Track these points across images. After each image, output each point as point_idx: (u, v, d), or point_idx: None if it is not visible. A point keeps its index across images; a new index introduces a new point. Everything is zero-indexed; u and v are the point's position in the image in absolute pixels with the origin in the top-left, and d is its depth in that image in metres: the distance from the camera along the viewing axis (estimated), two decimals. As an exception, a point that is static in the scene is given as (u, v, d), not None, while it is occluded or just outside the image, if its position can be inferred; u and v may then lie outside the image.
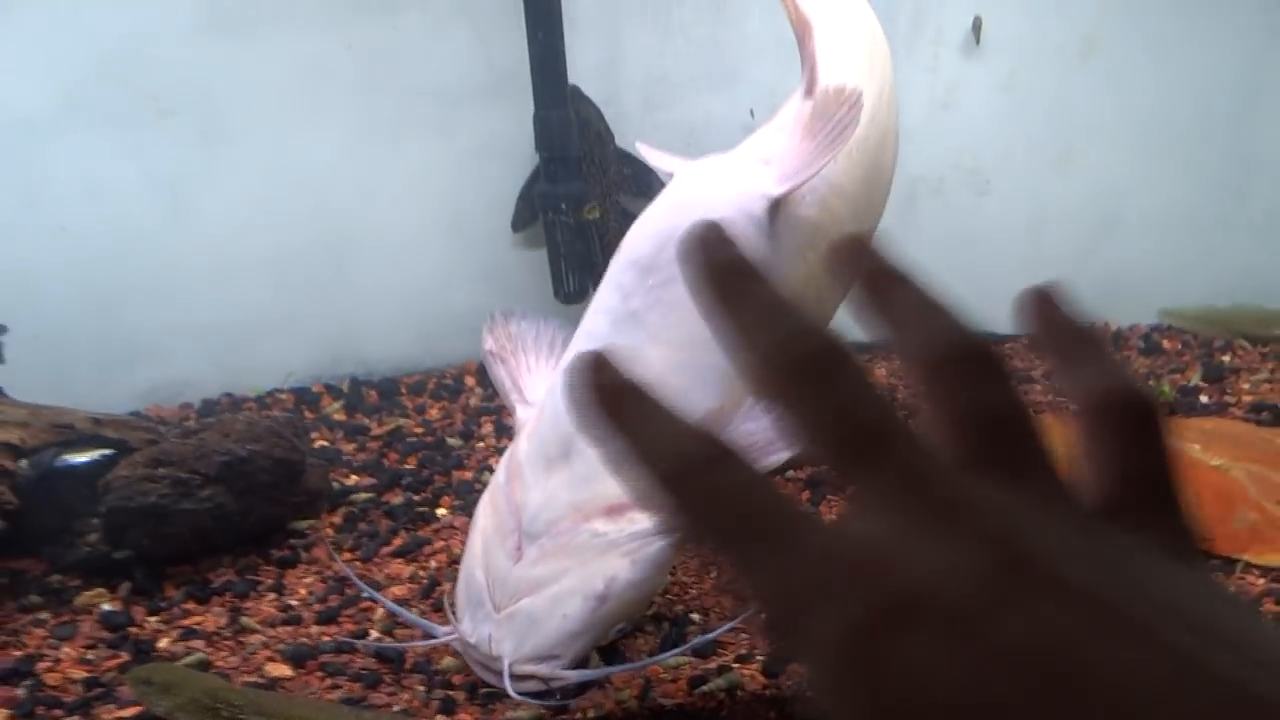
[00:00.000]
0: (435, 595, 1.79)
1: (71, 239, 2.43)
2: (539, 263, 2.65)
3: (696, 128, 2.66)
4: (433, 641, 1.50)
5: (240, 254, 2.56)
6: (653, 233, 1.45)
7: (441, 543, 1.95)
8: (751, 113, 2.64)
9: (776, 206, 1.43)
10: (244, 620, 1.72)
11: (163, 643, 1.68)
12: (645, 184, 2.66)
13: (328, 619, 1.73)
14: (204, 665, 1.62)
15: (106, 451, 1.92)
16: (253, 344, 2.63)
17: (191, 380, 2.60)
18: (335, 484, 2.17)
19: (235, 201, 2.52)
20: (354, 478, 2.24)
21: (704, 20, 2.59)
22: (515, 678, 1.35)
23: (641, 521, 1.36)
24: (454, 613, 1.49)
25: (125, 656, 1.64)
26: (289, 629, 1.71)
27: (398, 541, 1.96)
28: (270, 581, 1.85)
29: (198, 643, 1.68)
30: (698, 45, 2.61)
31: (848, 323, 1.58)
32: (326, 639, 1.67)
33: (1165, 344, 2.83)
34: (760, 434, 1.32)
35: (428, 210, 2.67)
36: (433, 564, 1.90)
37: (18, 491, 1.78)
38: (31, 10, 2.30)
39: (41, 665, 1.62)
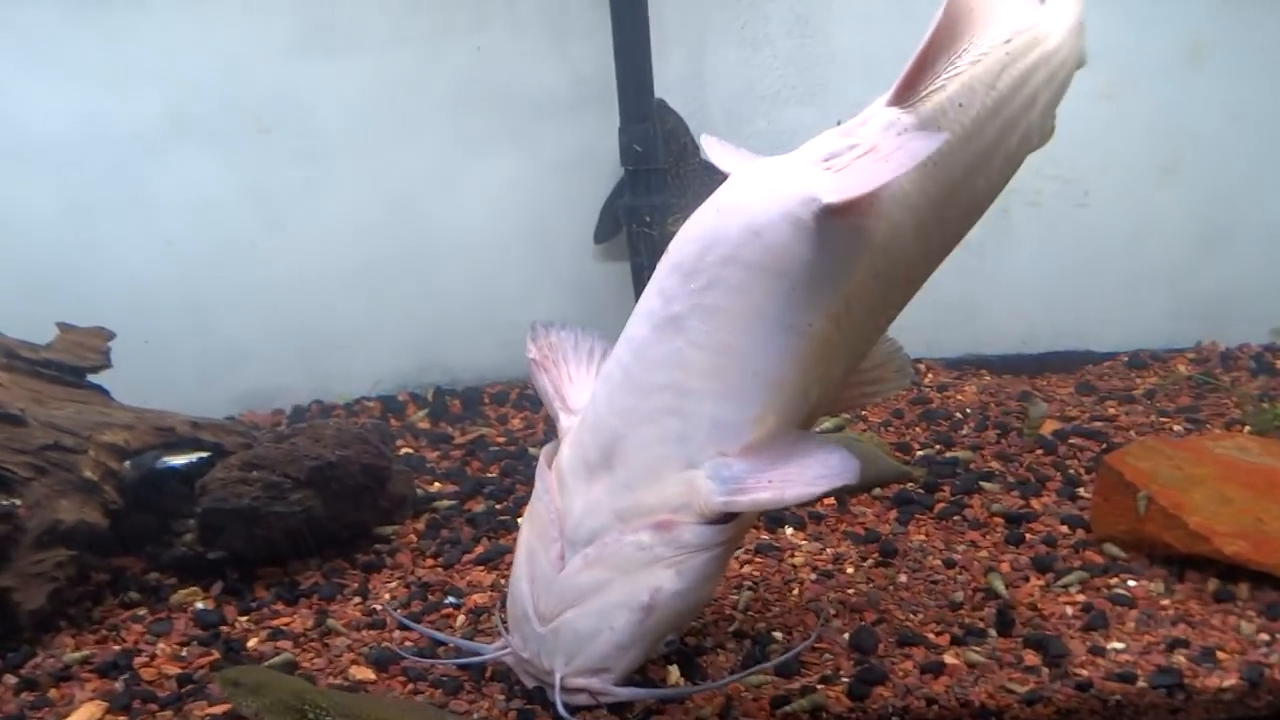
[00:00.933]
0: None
1: (176, 252, 2.53)
2: (621, 275, 2.65)
3: (782, 141, 2.61)
4: (483, 659, 1.51)
5: (332, 266, 2.63)
6: (695, 236, 1.41)
7: (522, 552, 1.95)
8: (839, 123, 2.60)
9: (828, 212, 1.35)
10: (330, 622, 1.75)
11: (252, 642, 1.72)
12: (729, 197, 2.64)
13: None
14: (291, 666, 1.64)
15: (204, 454, 1.98)
16: (342, 353, 2.70)
17: (284, 387, 2.67)
18: (419, 491, 2.20)
19: (328, 215, 2.60)
20: (437, 485, 2.26)
21: (790, 33, 2.57)
22: (566, 690, 1.36)
23: (688, 533, 1.34)
24: (504, 627, 1.49)
25: (216, 654, 1.68)
26: (373, 633, 1.73)
27: (479, 549, 1.97)
28: (355, 585, 1.88)
29: (285, 643, 1.71)
30: (784, 58, 2.59)
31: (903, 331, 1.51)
32: (408, 644, 1.68)
33: (1278, 364, 2.68)
34: (814, 463, 1.31)
35: (512, 222, 2.70)
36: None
37: (121, 492, 1.85)
38: (141, 32, 2.42)
39: (138, 660, 1.67)
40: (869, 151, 1.40)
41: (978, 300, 2.86)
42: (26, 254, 2.41)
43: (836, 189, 1.35)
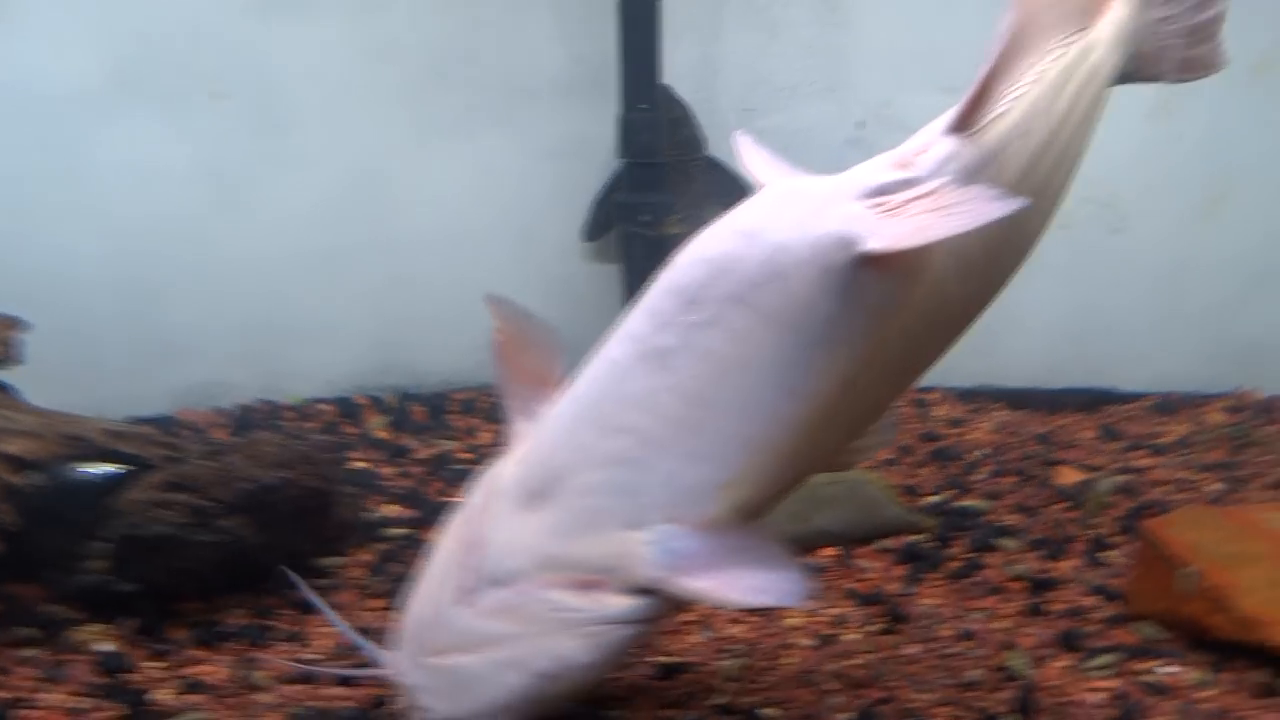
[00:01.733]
0: (471, 660, 1.56)
1: (113, 225, 2.27)
2: (610, 277, 2.42)
3: (798, 139, 2.39)
4: (378, 672, 1.35)
5: (288, 250, 2.37)
6: (705, 258, 1.19)
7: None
8: (862, 124, 2.37)
9: (867, 261, 1.12)
10: (254, 675, 1.51)
11: (161, 694, 1.48)
12: (733, 194, 2.39)
13: (347, 679, 1.51)
14: (204, 725, 1.41)
15: (119, 468, 1.73)
16: (296, 347, 2.45)
17: (228, 383, 2.42)
18: (372, 513, 1.96)
19: (287, 194, 2.34)
20: (394, 508, 2.02)
21: (815, 20, 2.33)
22: None
23: (611, 603, 1.19)
24: (398, 639, 1.33)
25: (119, 710, 1.44)
26: (304, 688, 1.50)
27: (434, 590, 1.73)
28: (287, 628, 1.64)
29: (199, 697, 1.47)
30: (805, 48, 2.35)
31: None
32: (346, 704, 1.45)
33: (1322, 415, 2.50)
34: (767, 574, 1.15)
35: (492, 212, 2.46)
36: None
37: (20, 511, 1.59)
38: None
39: (23, 713, 1.43)
40: (927, 195, 1.16)
41: (996, 327, 2.60)
42: (-62, 221, 2.14)
43: (884, 236, 1.12)
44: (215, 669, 1.54)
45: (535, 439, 1.30)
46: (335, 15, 2.26)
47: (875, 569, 1.82)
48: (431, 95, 2.35)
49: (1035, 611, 1.69)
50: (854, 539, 1.87)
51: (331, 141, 2.32)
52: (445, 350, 2.56)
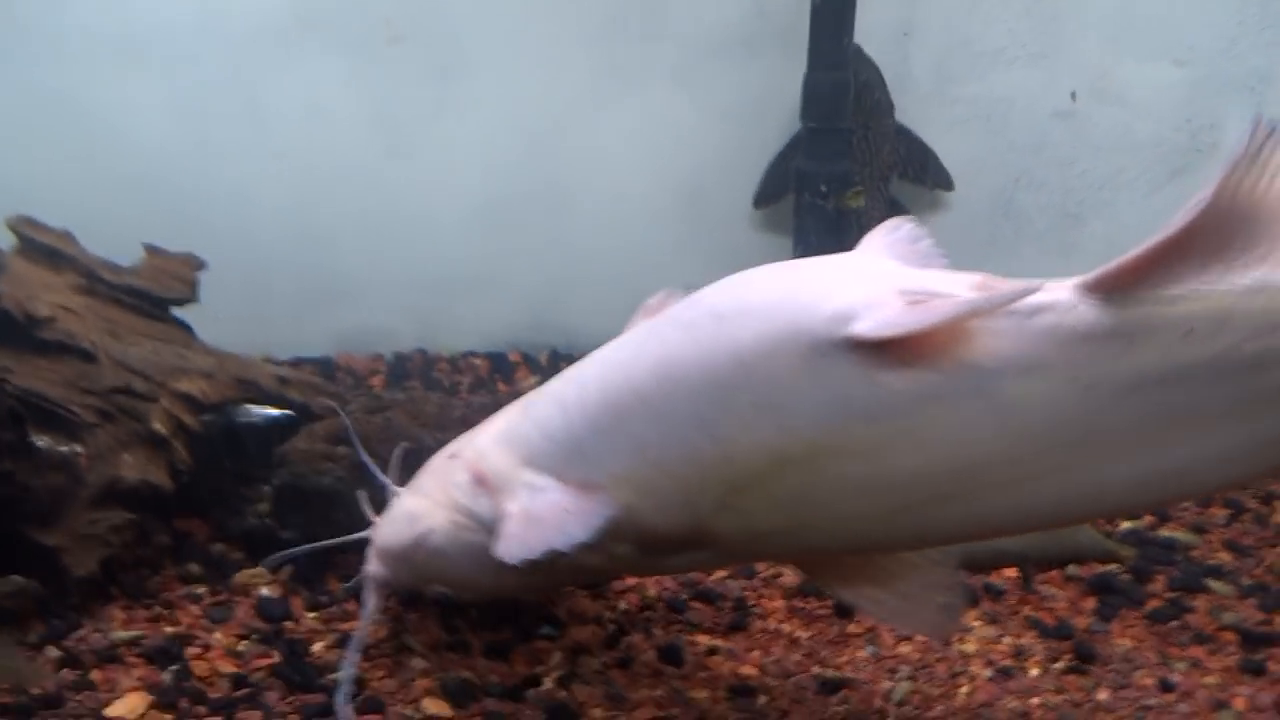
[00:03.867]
0: (620, 647, 1.50)
1: (288, 165, 2.28)
2: (780, 248, 2.28)
3: (998, 110, 2.17)
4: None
5: (453, 200, 2.34)
6: (735, 276, 1.13)
7: (635, 580, 1.65)
8: (1073, 95, 2.13)
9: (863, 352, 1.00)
10: (406, 639, 1.50)
11: (317, 647, 1.48)
12: (922, 167, 2.21)
13: (497, 652, 1.48)
14: (359, 684, 1.40)
15: (287, 412, 1.74)
16: (453, 299, 2.42)
17: (388, 330, 2.42)
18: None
19: (456, 143, 2.29)
20: (543, 474, 1.97)
21: (1031, -24, 2.09)
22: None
23: (482, 506, 1.25)
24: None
25: (277, 657, 1.45)
26: (454, 656, 1.47)
27: (584, 568, 1.68)
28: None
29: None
30: (1016, 8, 2.12)
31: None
32: (494, 679, 1.42)
33: None
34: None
35: (661, 172, 2.34)
36: (622, 605, 1.61)
37: (191, 451, 1.62)
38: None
39: (191, 650, 1.46)
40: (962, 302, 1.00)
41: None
42: (128, 154, 2.19)
43: (875, 321, 1.00)
44: (371, 627, 1.53)
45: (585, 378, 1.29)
46: (516, -42, 2.17)
47: (1061, 598, 1.64)
48: (608, 46, 2.24)
49: (1252, 669, 1.49)
50: (1037, 562, 1.70)
51: (504, 90, 2.26)
52: (600, 311, 2.46)
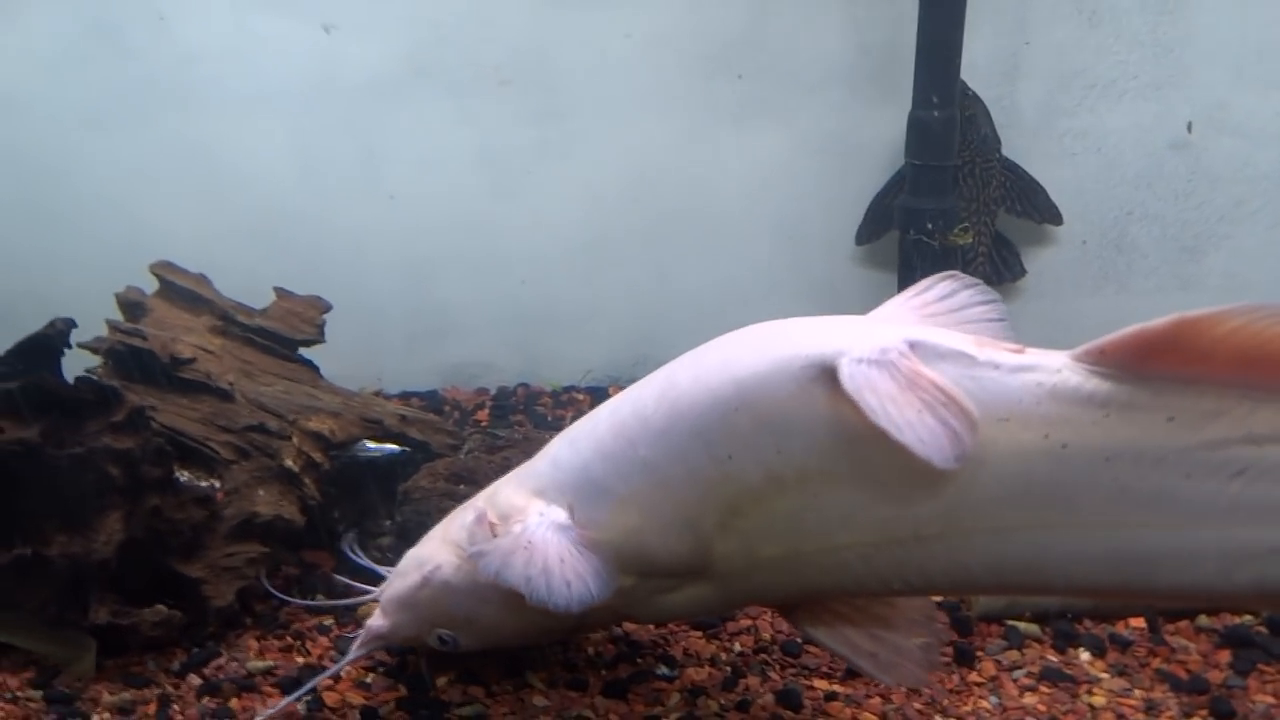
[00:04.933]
0: (737, 689, 1.50)
1: (399, 207, 2.36)
2: (881, 285, 2.27)
3: (1109, 143, 2.13)
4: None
5: (556, 238, 2.39)
6: (661, 385, 1.20)
7: (748, 620, 1.65)
8: (1189, 126, 2.08)
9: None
10: (529, 676, 1.52)
11: (442, 681, 1.52)
12: (1029, 202, 2.18)
13: (615, 691, 1.50)
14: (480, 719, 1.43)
15: (405, 449, 1.80)
16: (556, 333, 2.47)
17: (492, 364, 2.48)
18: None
19: (560, 182, 2.35)
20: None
21: (1145, 8, 2.05)
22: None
23: (483, 541, 1.27)
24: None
25: (403, 691, 1.50)
26: (574, 694, 1.49)
27: (697, 607, 1.69)
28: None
29: (477, 689, 1.50)
30: (1130, 39, 2.08)
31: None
32: (614, 719, 1.44)
33: None
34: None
35: (761, 208, 2.36)
36: (737, 647, 1.61)
37: (320, 487, 1.68)
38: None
39: (322, 681, 1.51)
40: (939, 384, 1.02)
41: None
42: (253, 200, 2.30)
43: (855, 377, 1.04)
44: (489, 664, 1.56)
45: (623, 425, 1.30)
46: (619, 4, 2.22)
47: (1194, 651, 1.58)
48: (708, 85, 2.27)
49: (1402, 728, 1.42)
50: (1165, 613, 1.65)
51: (607, 132, 2.30)
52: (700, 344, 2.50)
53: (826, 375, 1.07)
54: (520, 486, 1.31)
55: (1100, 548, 1.04)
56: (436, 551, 1.37)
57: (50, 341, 1.49)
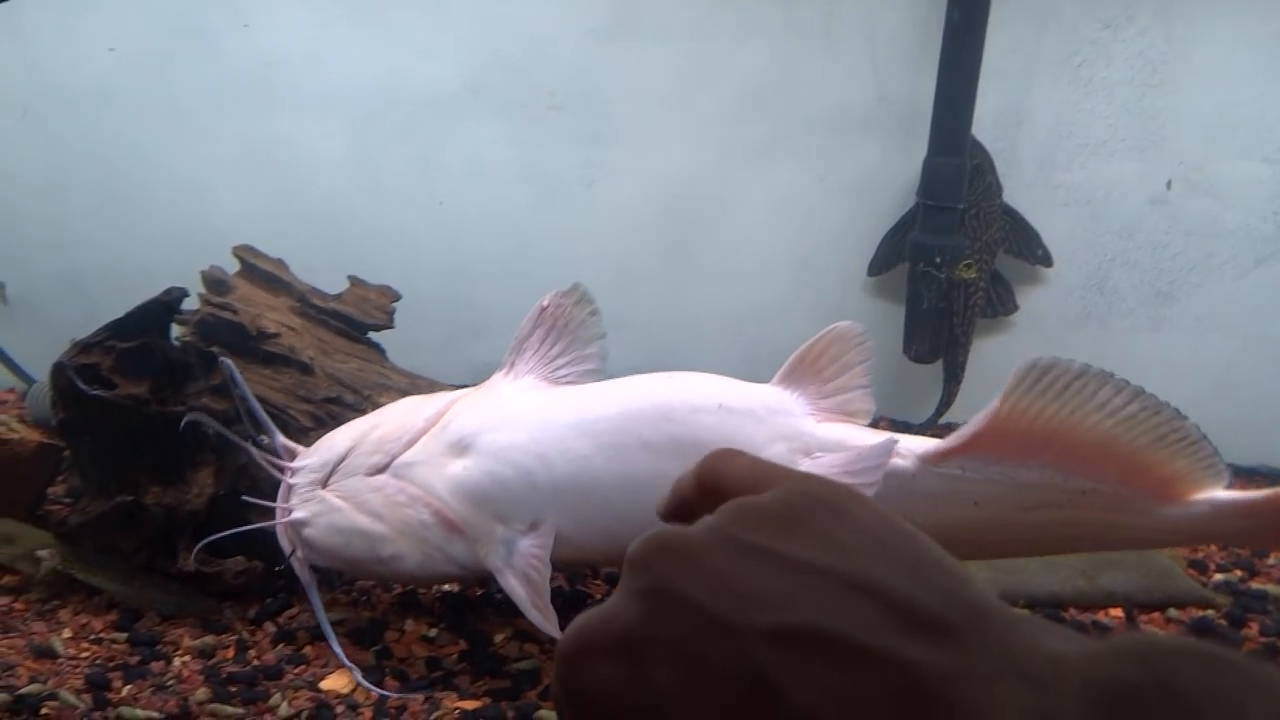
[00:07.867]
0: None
1: (446, 213, 2.53)
2: (889, 314, 2.49)
3: (1097, 195, 2.39)
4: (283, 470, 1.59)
5: (590, 252, 2.57)
6: (580, 399, 1.50)
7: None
8: (1169, 185, 2.34)
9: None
10: (576, 635, 1.67)
11: (499, 638, 1.66)
12: (1026, 245, 2.42)
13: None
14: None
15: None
16: (582, 342, 2.63)
17: (523, 367, 2.63)
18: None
19: (597, 203, 2.54)
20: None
21: (1133, 80, 2.32)
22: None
23: (458, 549, 1.46)
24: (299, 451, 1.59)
25: (464, 645, 1.63)
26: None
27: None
28: (598, 596, 1.80)
29: (532, 646, 1.64)
30: (1119, 106, 2.34)
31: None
32: None
33: None
34: None
35: (780, 238, 2.57)
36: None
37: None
38: (458, 3, 2.41)
39: (389, 633, 1.64)
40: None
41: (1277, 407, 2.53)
42: (314, 198, 2.45)
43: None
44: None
45: (498, 402, 1.52)
46: (665, 42, 2.43)
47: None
48: (741, 123, 2.48)
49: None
50: (1140, 604, 1.86)
51: (643, 159, 2.50)
52: (715, 362, 2.67)
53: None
54: (480, 506, 1.47)
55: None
56: (395, 540, 1.49)
57: (164, 308, 1.62)
